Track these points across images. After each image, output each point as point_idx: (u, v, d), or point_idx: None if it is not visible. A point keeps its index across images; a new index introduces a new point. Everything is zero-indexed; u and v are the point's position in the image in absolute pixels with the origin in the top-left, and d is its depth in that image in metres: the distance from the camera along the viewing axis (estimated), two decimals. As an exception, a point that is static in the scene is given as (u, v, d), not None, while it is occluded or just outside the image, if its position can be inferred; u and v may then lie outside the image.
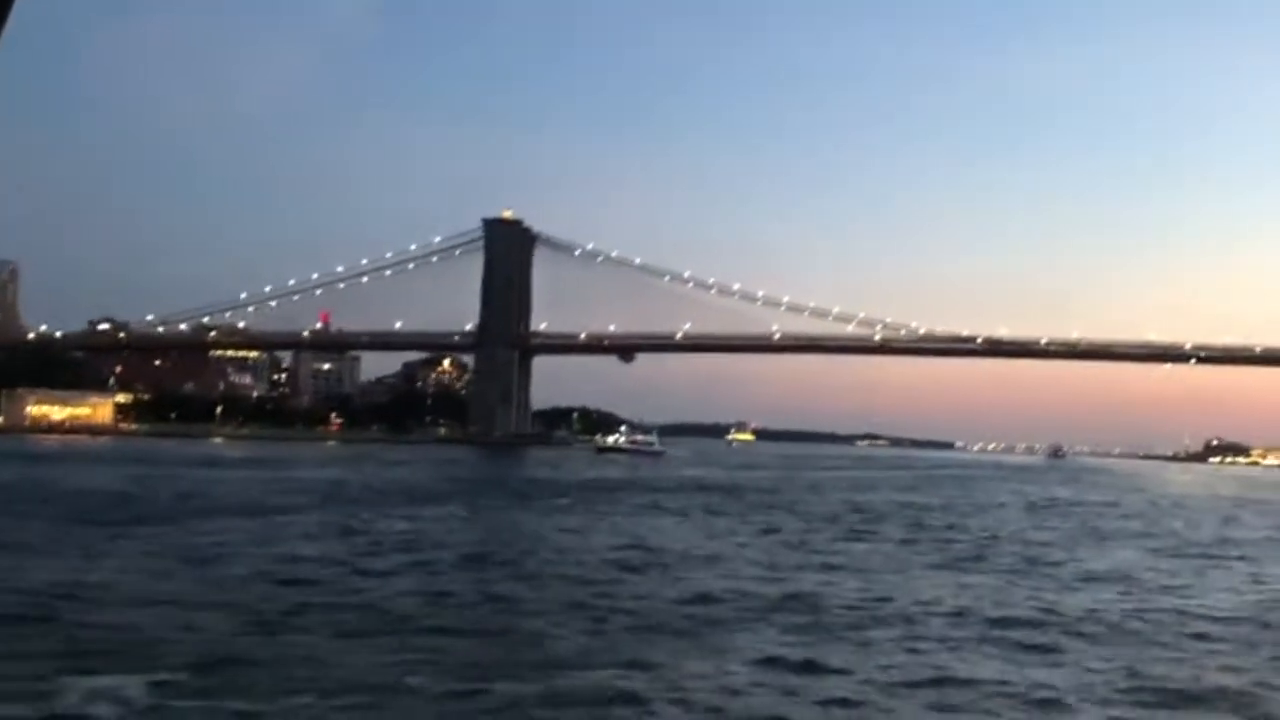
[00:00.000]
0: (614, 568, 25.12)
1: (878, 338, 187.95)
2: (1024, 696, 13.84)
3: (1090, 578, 27.19)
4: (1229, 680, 15.54)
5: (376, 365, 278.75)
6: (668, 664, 15.08)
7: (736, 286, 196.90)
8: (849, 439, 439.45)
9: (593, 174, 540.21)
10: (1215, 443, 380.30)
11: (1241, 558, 35.10)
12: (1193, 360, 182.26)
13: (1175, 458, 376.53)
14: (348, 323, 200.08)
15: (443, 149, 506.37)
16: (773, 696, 13.41)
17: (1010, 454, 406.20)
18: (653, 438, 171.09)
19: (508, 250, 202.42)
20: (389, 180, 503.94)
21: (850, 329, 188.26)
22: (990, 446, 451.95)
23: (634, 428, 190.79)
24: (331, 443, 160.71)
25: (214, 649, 15.04)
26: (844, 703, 13.17)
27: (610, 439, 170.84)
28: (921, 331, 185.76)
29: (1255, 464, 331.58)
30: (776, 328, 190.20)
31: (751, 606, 20.12)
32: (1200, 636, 19.22)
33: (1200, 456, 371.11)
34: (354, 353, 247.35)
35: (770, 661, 15.28)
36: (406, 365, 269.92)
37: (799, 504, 51.92)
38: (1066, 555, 32.83)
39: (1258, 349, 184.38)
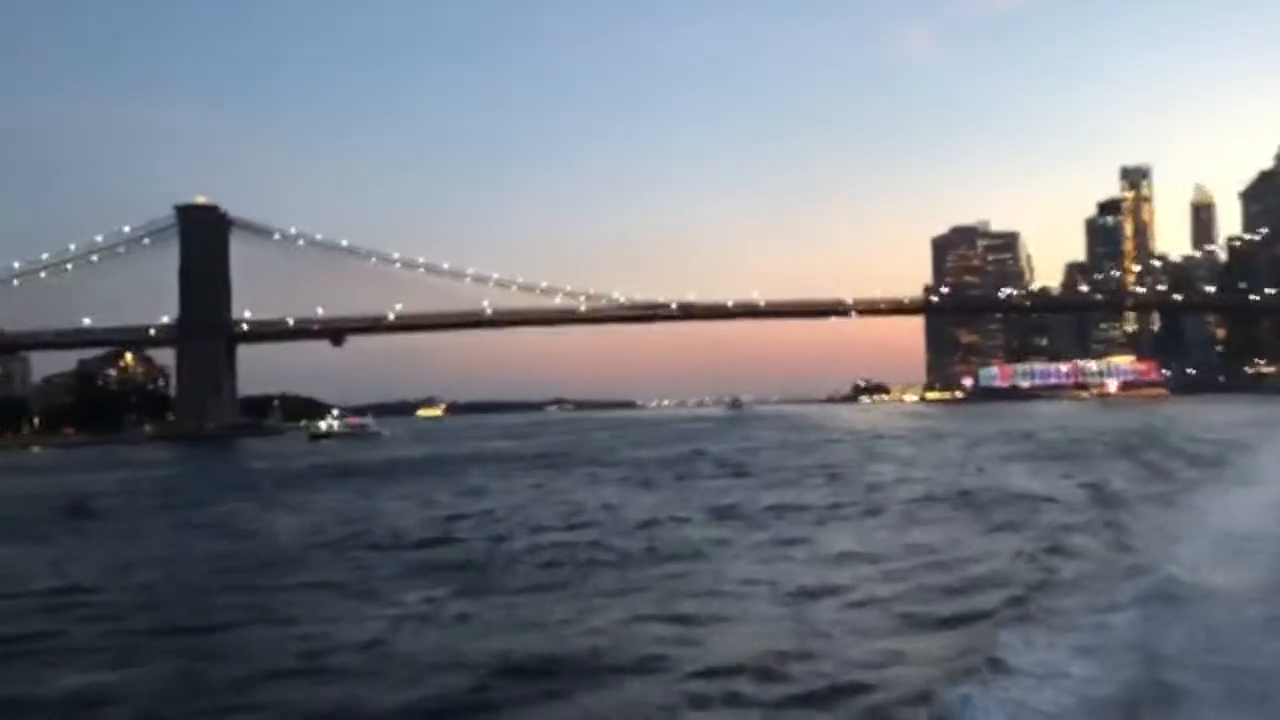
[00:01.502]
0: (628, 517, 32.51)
1: (583, 308, 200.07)
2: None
3: (884, 483, 38.14)
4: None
5: (46, 365, 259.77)
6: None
7: (446, 265, 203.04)
8: (538, 406, 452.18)
9: (282, 155, 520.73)
10: (861, 384, 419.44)
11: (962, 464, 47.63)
12: (853, 313, 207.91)
13: (830, 400, 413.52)
14: (20, 321, 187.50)
15: (121, 131, 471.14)
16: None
17: (684, 407, 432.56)
18: (369, 420, 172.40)
19: (203, 237, 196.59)
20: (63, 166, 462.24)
21: (558, 301, 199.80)
22: (665, 402, 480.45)
23: (345, 411, 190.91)
24: (36, 449, 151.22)
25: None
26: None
27: (323, 424, 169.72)
28: (622, 300, 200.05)
29: (899, 400, 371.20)
30: (487, 303, 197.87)
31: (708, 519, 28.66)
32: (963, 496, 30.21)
33: (851, 397, 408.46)
34: (22, 353, 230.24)
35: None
36: (83, 363, 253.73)
37: (608, 461, 60.40)
38: (858, 471, 43.98)
39: (835, 300, 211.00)
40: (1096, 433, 72.86)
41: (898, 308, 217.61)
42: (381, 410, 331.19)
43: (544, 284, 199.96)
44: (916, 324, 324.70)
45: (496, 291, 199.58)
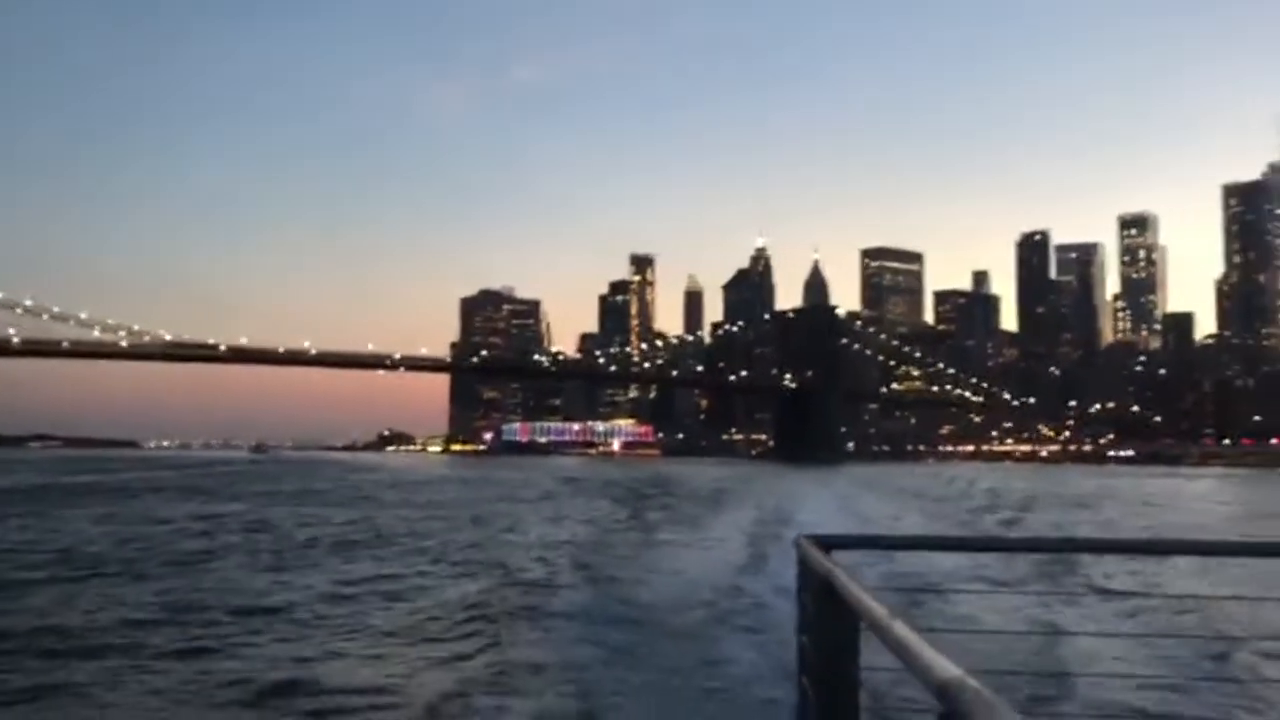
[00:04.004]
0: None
1: (124, 343, 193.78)
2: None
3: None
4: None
5: None
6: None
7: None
8: (18, 440, 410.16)
9: None
10: (387, 433, 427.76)
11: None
12: (402, 369, 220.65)
13: (352, 448, 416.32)
14: None
15: None
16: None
17: (189, 450, 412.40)
18: None
19: None
20: None
21: (96, 334, 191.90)
22: (165, 443, 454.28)
23: None
24: None
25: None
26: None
27: None
28: (168, 338, 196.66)
29: (423, 451, 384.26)
30: (13, 331, 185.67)
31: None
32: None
33: (376, 446, 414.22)
34: None
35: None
36: None
37: (242, 495, 68.82)
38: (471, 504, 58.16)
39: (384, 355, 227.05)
40: (608, 481, 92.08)
41: (440, 365, 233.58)
42: None
43: (84, 314, 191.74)
44: (441, 377, 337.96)
45: (26, 319, 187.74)
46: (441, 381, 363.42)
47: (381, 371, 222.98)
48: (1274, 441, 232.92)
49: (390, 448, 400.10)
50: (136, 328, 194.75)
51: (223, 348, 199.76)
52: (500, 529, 40.00)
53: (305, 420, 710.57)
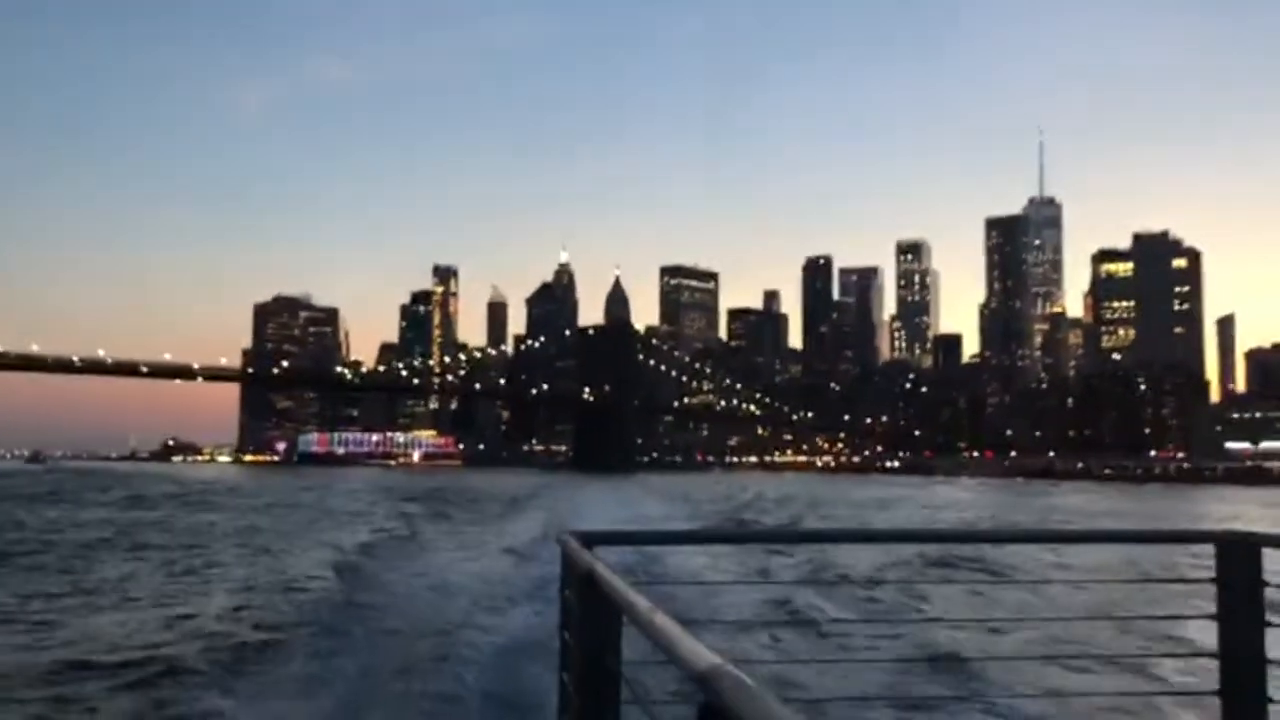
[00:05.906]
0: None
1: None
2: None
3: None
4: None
5: None
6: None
7: None
8: None
9: None
10: (172, 443, 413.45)
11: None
12: (200, 379, 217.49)
13: (134, 457, 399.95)
14: None
15: None
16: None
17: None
18: None
19: None
20: None
21: None
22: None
23: None
24: None
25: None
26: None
27: None
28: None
29: (212, 460, 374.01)
30: None
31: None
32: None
33: (161, 455, 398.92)
34: None
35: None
36: None
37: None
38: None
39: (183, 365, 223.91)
40: (409, 490, 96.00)
41: (241, 376, 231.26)
42: None
43: None
44: (230, 385, 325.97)
45: None
46: (231, 390, 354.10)
47: (178, 380, 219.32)
48: (989, 455, 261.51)
49: (176, 458, 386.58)
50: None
51: (12, 354, 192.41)
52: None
53: (78, 428, 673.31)
